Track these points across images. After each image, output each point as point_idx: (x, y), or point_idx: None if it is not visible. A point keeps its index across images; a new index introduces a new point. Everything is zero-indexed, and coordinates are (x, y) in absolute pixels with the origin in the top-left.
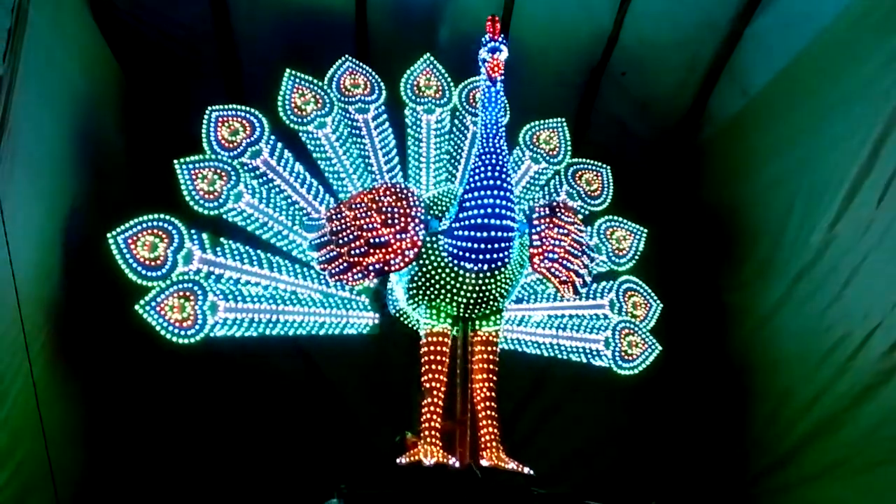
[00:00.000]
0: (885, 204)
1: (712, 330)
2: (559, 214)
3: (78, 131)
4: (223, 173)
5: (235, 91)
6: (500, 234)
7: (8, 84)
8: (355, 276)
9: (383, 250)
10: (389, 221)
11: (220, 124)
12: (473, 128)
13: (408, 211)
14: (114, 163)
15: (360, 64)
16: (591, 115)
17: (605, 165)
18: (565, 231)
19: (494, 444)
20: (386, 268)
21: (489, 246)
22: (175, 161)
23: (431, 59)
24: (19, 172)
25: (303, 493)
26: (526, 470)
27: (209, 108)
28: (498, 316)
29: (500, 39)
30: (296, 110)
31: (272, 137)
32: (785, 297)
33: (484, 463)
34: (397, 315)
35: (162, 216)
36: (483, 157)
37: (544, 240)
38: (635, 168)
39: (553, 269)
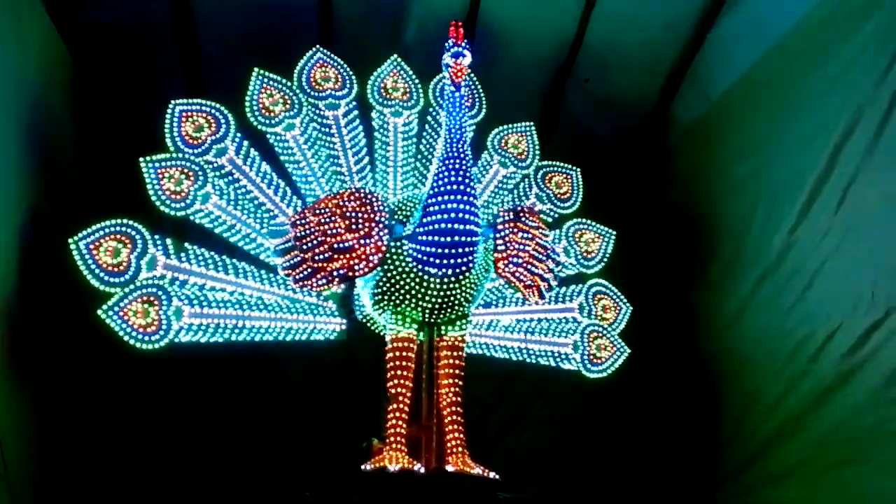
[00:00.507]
0: (843, 209)
1: (679, 332)
2: (523, 219)
3: (28, 126)
4: (190, 173)
5: (195, 86)
6: (463, 238)
7: None
8: (319, 282)
9: (347, 256)
10: (353, 227)
11: (183, 119)
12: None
13: (372, 216)
14: (68, 160)
15: (332, 56)
16: (555, 118)
17: (574, 168)
18: (529, 235)
19: (460, 449)
20: (350, 273)
21: (453, 251)
22: (141, 159)
23: (399, 60)
24: None
25: (268, 500)
26: (492, 475)
27: (172, 101)
28: (464, 321)
29: (463, 44)
30: (263, 111)
31: (238, 135)
32: (749, 299)
33: (449, 468)
34: (364, 320)
35: (125, 221)
36: (446, 161)
37: (508, 244)
38: (600, 171)
39: (518, 274)
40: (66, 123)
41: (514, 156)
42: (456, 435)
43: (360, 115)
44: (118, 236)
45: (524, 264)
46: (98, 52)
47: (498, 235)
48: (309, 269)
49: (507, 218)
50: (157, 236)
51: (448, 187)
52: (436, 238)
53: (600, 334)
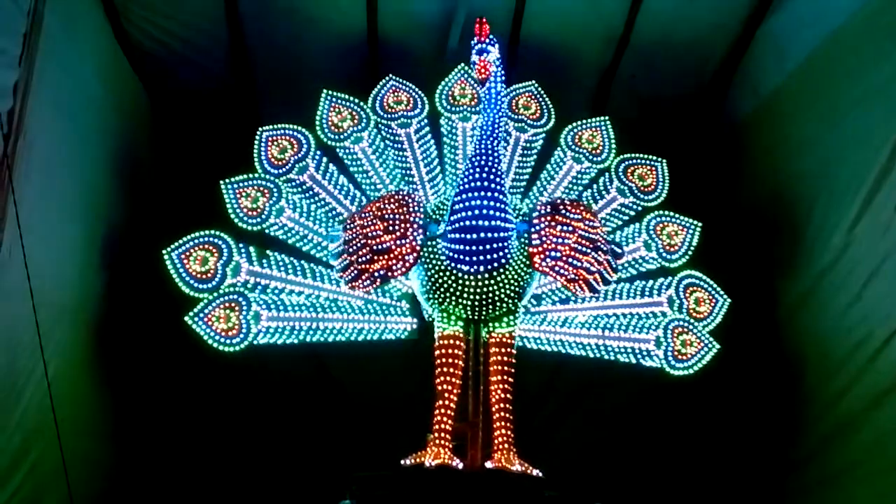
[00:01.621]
0: None
1: (733, 328)
2: (563, 211)
3: (94, 136)
4: (266, 190)
5: (251, 107)
6: (489, 234)
7: (24, 88)
8: (365, 283)
9: (386, 256)
10: (390, 228)
11: (269, 143)
12: (516, 133)
13: (407, 217)
14: (131, 166)
15: (403, 81)
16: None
17: (659, 159)
18: (570, 228)
19: (506, 445)
20: (389, 273)
21: (481, 247)
22: (221, 181)
23: (465, 68)
24: (35, 174)
25: (318, 493)
26: (535, 472)
27: (260, 129)
28: (511, 317)
29: (486, 41)
30: (332, 128)
31: (318, 153)
32: (807, 297)
33: (489, 465)
34: (430, 319)
35: (212, 232)
36: (474, 158)
37: (544, 238)
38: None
39: (557, 268)
40: (127, 131)
41: (588, 151)
42: (503, 432)
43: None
44: (206, 246)
45: (564, 258)
46: (158, 65)
47: (533, 230)
48: (355, 271)
49: (543, 212)
50: (241, 245)
51: (473, 184)
52: (463, 235)
53: (685, 329)
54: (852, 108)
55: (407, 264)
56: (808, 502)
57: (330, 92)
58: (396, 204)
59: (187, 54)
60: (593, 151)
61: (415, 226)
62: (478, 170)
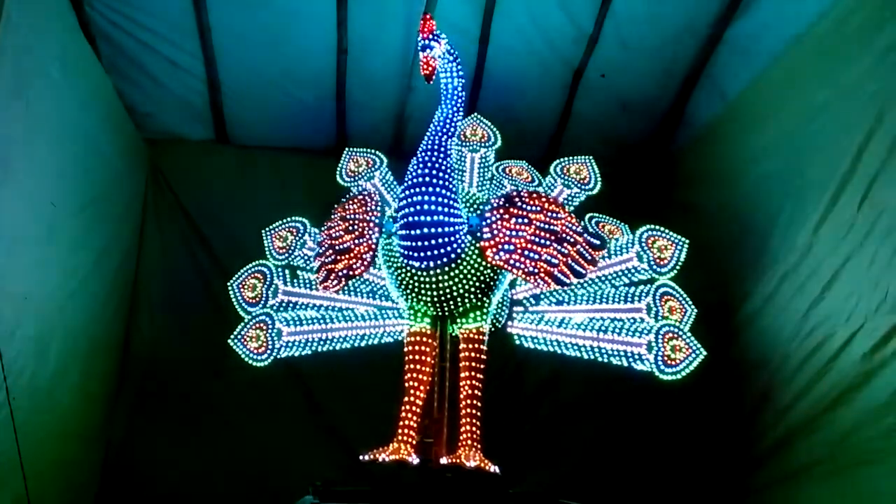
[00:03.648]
0: (865, 207)
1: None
2: (518, 203)
3: (53, 123)
4: (293, 229)
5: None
6: (431, 230)
7: None
8: (333, 283)
9: (347, 256)
10: (350, 228)
11: (345, 202)
12: (510, 187)
13: (365, 216)
14: (91, 153)
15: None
16: (570, 116)
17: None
18: (526, 220)
19: (470, 442)
20: (351, 272)
21: (426, 243)
22: (263, 231)
23: (478, 116)
24: None
25: (282, 490)
26: (492, 469)
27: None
28: (478, 312)
29: (431, 37)
30: (349, 173)
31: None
32: (770, 299)
33: (443, 461)
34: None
35: (262, 262)
36: (420, 154)
37: (496, 232)
38: (614, 169)
39: (513, 261)
40: (97, 129)
41: (576, 180)
42: (468, 428)
43: None
44: (256, 274)
45: (519, 251)
46: (131, 72)
47: (484, 223)
48: (325, 272)
49: (495, 205)
50: (279, 269)
51: (415, 180)
52: (407, 231)
53: (675, 335)
54: (819, 111)
55: (365, 262)
56: (767, 501)
57: (350, 149)
58: (357, 204)
59: (153, 44)
60: (581, 181)
61: (371, 224)
62: (420, 165)
